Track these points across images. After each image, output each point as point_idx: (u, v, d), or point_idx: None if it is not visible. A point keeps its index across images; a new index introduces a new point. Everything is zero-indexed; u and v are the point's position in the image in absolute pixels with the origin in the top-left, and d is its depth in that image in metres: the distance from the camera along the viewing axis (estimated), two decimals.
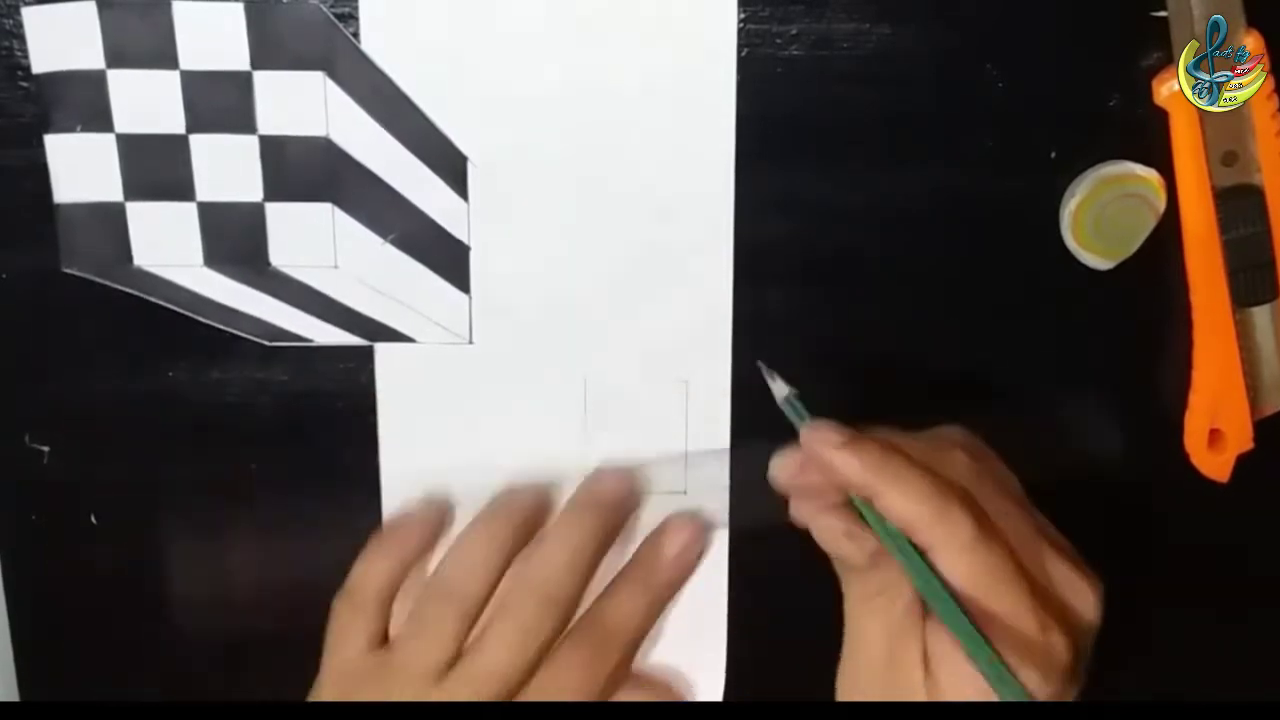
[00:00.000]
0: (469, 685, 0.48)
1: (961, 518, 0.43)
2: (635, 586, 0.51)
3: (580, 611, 0.50)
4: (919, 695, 0.44)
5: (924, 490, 0.43)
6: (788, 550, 0.49)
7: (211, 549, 0.54)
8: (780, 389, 0.47)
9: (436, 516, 0.52)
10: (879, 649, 0.45)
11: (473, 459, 0.52)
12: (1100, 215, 0.47)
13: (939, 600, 0.43)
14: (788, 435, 0.52)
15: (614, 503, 0.51)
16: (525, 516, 0.51)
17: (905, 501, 0.43)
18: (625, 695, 0.51)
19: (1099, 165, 0.48)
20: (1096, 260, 0.48)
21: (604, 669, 0.49)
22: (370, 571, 0.51)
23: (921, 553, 0.43)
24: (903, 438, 0.46)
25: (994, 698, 0.42)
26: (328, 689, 0.50)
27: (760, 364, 0.48)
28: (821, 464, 0.45)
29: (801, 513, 0.46)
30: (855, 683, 0.46)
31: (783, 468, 0.47)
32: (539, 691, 0.48)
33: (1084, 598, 0.45)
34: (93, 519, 0.53)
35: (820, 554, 0.48)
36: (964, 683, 0.43)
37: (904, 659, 0.44)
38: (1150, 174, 0.48)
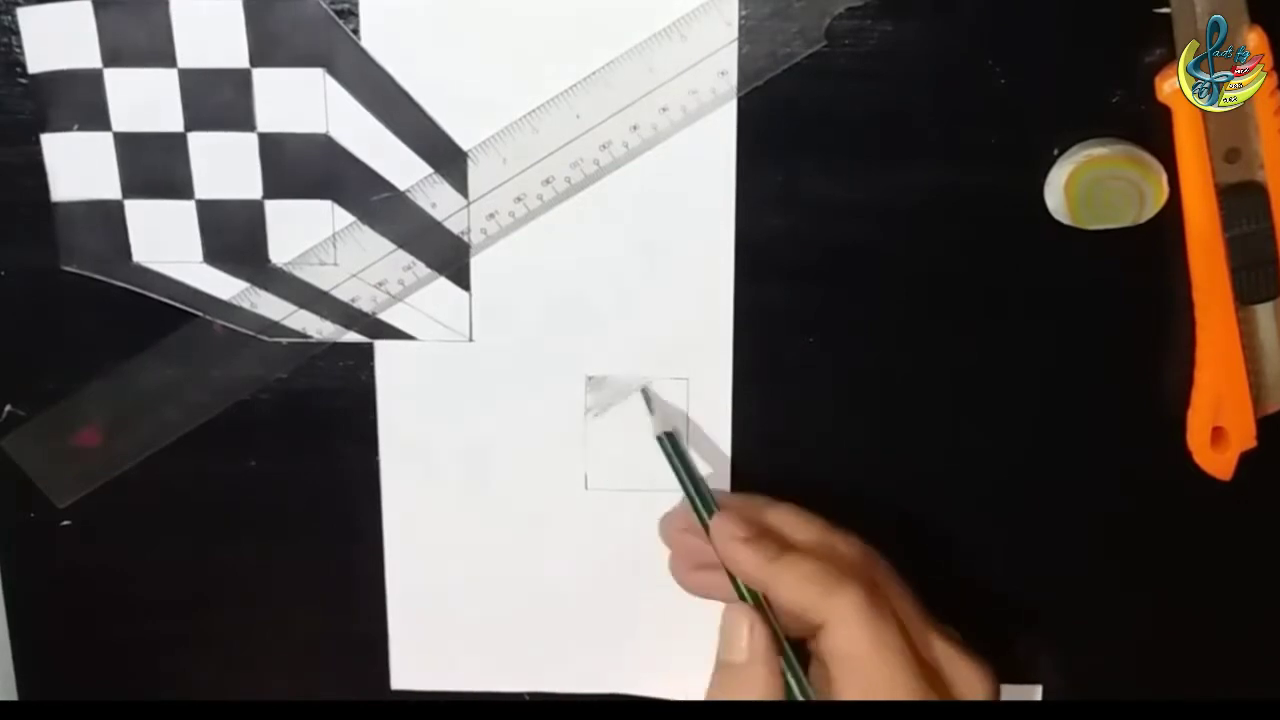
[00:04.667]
0: None
1: (850, 591, 0.46)
2: None
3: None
4: None
5: (813, 573, 0.46)
6: None
7: (211, 548, 0.54)
8: (656, 425, 0.51)
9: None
10: None
11: (473, 457, 0.52)
12: (1096, 183, 0.47)
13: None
14: (790, 434, 0.52)
15: None
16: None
17: (795, 587, 0.46)
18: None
19: (1119, 142, 0.47)
20: (1065, 215, 0.48)
21: None
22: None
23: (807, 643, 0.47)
24: (801, 518, 0.49)
25: None
26: None
27: (643, 391, 0.51)
28: (724, 553, 0.48)
29: (677, 570, 0.52)
30: None
31: (668, 528, 0.52)
32: None
33: (971, 680, 0.47)
34: (93, 518, 0.53)
35: None
36: None
37: None
38: (1159, 176, 0.47)
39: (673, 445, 0.50)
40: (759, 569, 0.47)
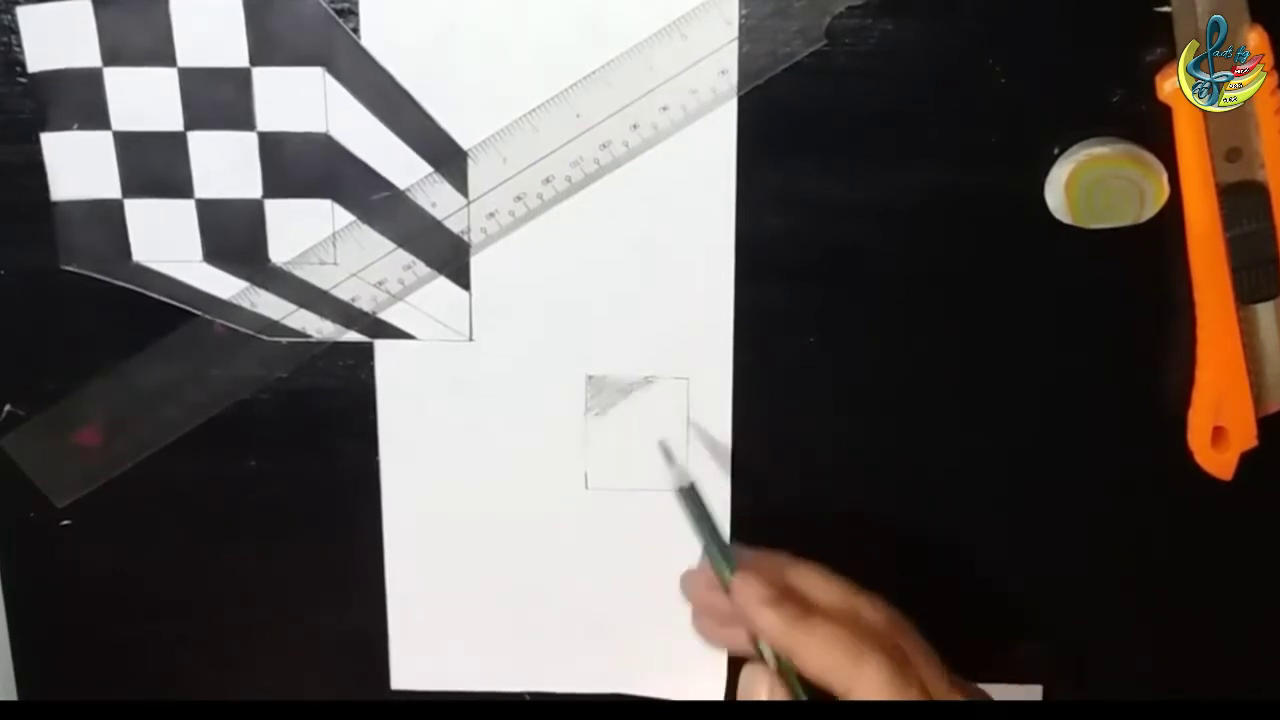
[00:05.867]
0: None
1: (877, 662, 0.44)
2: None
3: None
4: None
5: (839, 639, 0.45)
6: (789, 546, 0.49)
7: (211, 548, 0.54)
8: (675, 478, 0.50)
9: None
10: None
11: (473, 456, 0.52)
12: (1096, 182, 0.47)
13: None
14: (790, 435, 0.52)
15: None
16: None
17: (821, 653, 0.45)
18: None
19: (1120, 141, 0.47)
20: (1065, 214, 0.48)
21: None
22: None
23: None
24: (825, 579, 0.48)
25: None
26: None
27: (661, 443, 0.51)
28: (746, 614, 0.47)
29: (701, 627, 0.51)
30: None
31: (691, 585, 0.51)
32: None
33: None
34: (93, 518, 0.53)
35: (822, 548, 0.48)
36: None
37: None
38: (1159, 176, 0.47)
39: (693, 500, 0.50)
40: (783, 634, 0.46)
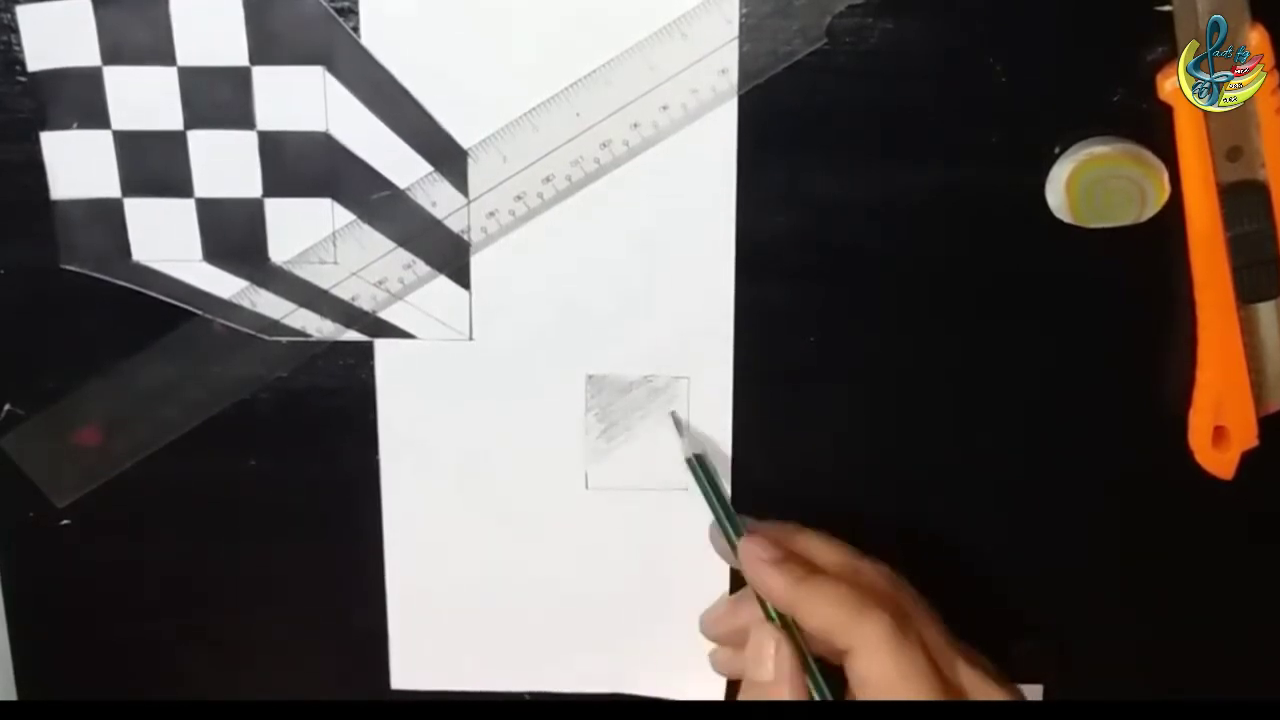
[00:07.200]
0: None
1: (877, 617, 0.46)
2: None
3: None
4: None
5: (840, 597, 0.46)
6: None
7: (211, 548, 0.54)
8: (686, 447, 0.51)
9: None
10: None
11: (473, 456, 0.52)
12: (1097, 182, 0.47)
13: None
14: (790, 434, 0.52)
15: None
16: None
17: (824, 609, 0.46)
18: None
19: (1121, 141, 0.47)
20: (1066, 214, 0.48)
21: None
22: None
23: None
24: (828, 544, 0.50)
25: None
26: None
27: (673, 414, 0.51)
28: (751, 575, 0.49)
29: (719, 660, 0.53)
30: None
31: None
32: None
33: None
34: (93, 518, 0.53)
35: None
36: None
37: None
38: (1160, 175, 0.47)
39: (702, 468, 0.50)
40: (787, 591, 0.47)
